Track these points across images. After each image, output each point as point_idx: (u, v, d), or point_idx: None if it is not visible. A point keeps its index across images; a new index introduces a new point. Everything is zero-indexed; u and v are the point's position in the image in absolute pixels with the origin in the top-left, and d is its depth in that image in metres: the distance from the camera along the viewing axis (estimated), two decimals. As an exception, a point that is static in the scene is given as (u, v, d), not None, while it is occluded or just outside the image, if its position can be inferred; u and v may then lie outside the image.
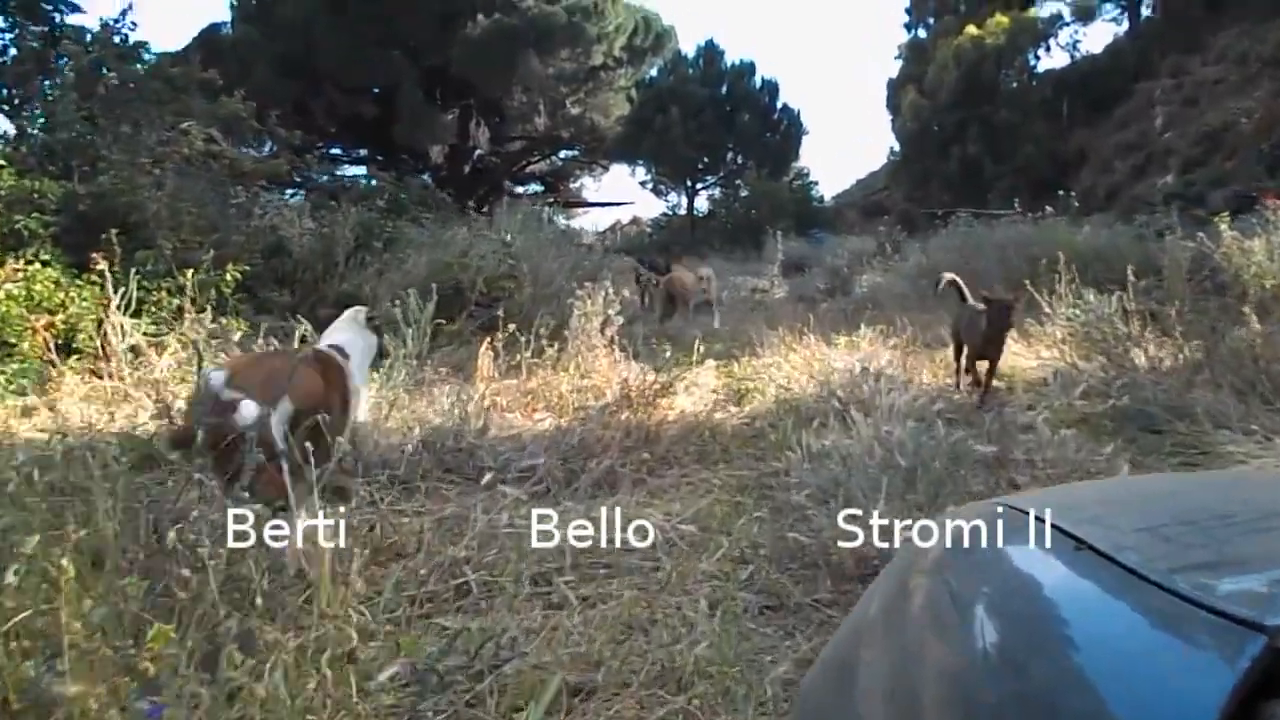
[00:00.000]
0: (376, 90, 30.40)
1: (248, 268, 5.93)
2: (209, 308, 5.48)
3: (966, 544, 0.91)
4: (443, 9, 27.28)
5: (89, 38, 8.91)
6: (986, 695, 0.70)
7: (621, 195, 55.15)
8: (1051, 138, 24.95)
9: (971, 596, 0.84)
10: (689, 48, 32.99)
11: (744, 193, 30.90)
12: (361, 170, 36.73)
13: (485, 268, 7.24)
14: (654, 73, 32.14)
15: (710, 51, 32.22)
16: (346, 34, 27.16)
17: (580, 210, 41.90)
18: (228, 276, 5.67)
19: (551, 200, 35.59)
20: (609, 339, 5.40)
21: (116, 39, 8.85)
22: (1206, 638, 0.61)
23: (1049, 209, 13.20)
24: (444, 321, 6.77)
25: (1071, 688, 0.65)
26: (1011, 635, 0.75)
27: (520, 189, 37.88)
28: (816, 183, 34.15)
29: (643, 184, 35.09)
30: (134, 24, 9.08)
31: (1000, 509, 0.93)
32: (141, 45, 9.23)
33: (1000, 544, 0.88)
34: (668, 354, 6.00)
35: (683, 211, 34.38)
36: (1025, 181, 23.05)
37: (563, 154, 38.25)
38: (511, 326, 5.27)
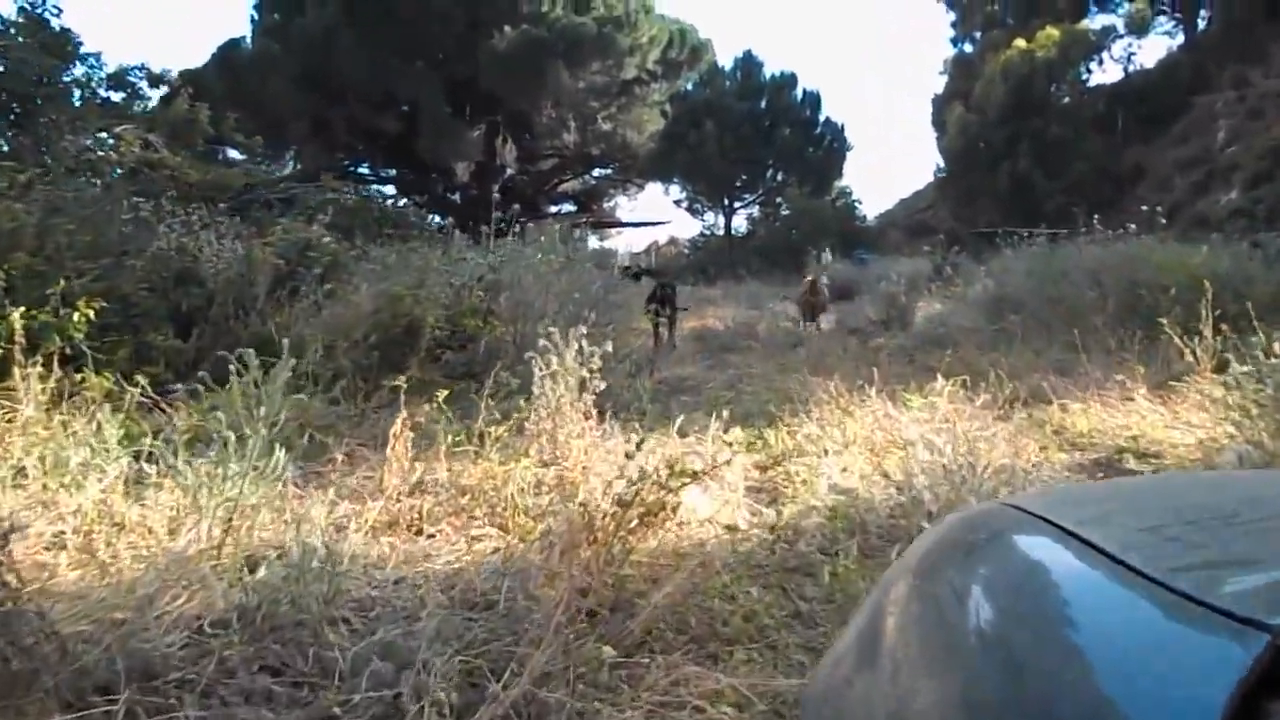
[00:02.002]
0: (403, 107, 29.30)
1: (106, 304, 4.33)
2: (55, 359, 3.92)
3: (970, 544, 0.90)
4: (467, 19, 26.08)
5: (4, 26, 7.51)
6: (990, 696, 0.69)
7: (658, 215, 53.63)
8: (1106, 153, 24.07)
9: (975, 597, 0.82)
10: (726, 60, 31.51)
11: (784, 211, 29.18)
12: (389, 190, 36.07)
13: (451, 300, 5.66)
14: (689, 86, 30.53)
15: (748, 63, 30.68)
16: (368, 46, 26.11)
17: (614, 231, 40.75)
18: (76, 316, 4.09)
19: (584, 220, 34.41)
20: (586, 409, 3.75)
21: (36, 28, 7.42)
22: (1210, 637, 0.60)
23: (1131, 226, 11.39)
24: (396, 371, 5.23)
25: (1075, 687, 0.63)
26: (1015, 635, 0.74)
27: (554, 208, 36.72)
28: (860, 201, 32.40)
29: (677, 203, 33.56)
30: (58, 9, 7.67)
31: (1004, 509, 0.94)
32: (67, 34, 7.78)
33: (1004, 544, 0.87)
34: (677, 422, 4.40)
35: (721, 232, 32.72)
36: (1078, 199, 21.63)
37: (596, 172, 37.06)
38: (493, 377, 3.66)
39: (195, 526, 2.79)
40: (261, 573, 2.54)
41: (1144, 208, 13.06)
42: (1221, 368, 5.11)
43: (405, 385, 5.00)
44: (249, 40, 27.83)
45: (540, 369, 3.52)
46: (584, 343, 3.61)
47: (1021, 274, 10.38)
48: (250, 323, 5.20)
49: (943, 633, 0.81)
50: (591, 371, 3.65)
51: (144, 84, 8.51)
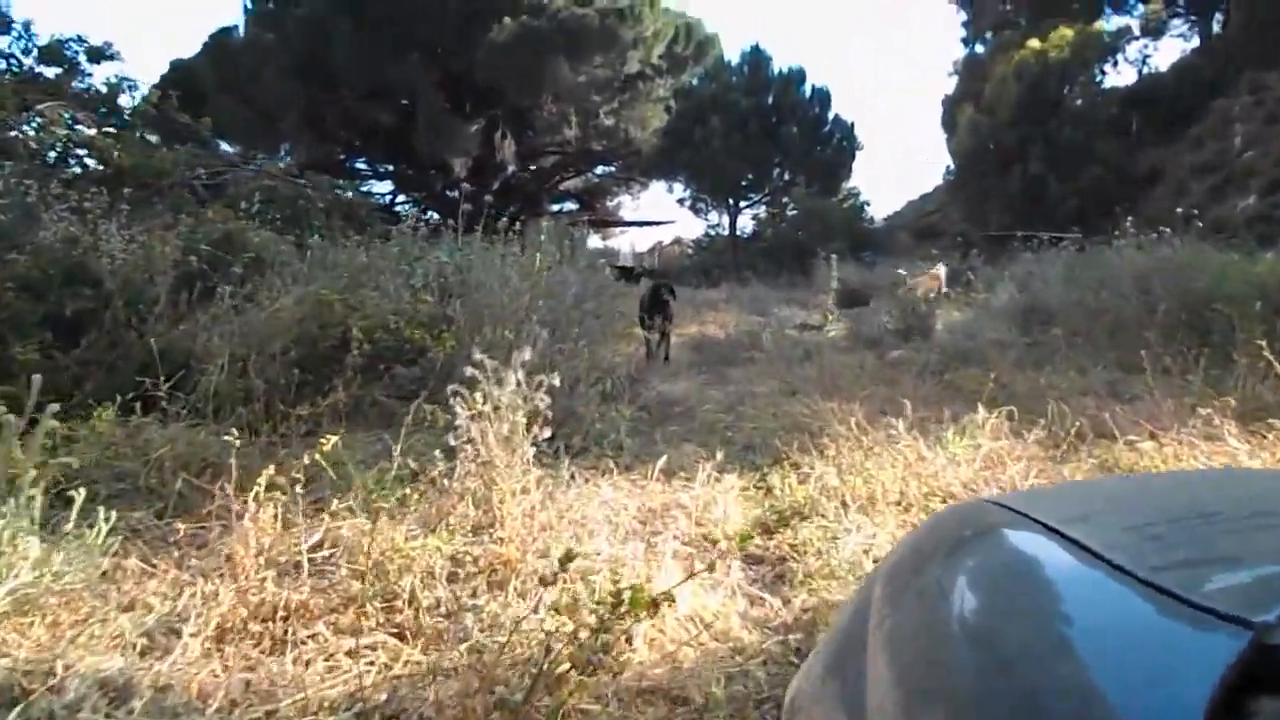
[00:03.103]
0: (399, 100, 28.40)
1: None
2: None
3: (955, 541, 0.91)
4: (464, 10, 25.18)
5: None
6: (976, 693, 0.69)
7: (662, 214, 52.72)
8: (1120, 157, 23.46)
9: (960, 592, 0.83)
10: (733, 54, 30.54)
11: (791, 212, 28.16)
12: (386, 187, 35.15)
13: (404, 306, 4.74)
14: (694, 81, 29.54)
15: (756, 58, 29.65)
16: (363, 37, 25.26)
17: (618, 230, 39.81)
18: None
19: (585, 219, 33.51)
20: (528, 458, 2.81)
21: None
22: (1194, 633, 0.61)
23: (1165, 229, 10.44)
24: (320, 395, 4.35)
25: (1060, 684, 0.64)
26: (1000, 630, 0.74)
27: (556, 207, 35.82)
28: (868, 202, 31.40)
29: (681, 201, 32.58)
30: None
31: (988, 506, 0.95)
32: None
33: (989, 540, 0.88)
34: (660, 461, 3.51)
35: (725, 232, 31.71)
36: (1091, 202, 21.87)
37: (599, 170, 36.25)
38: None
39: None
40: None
41: (1178, 210, 12.14)
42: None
43: (336, 407, 4.13)
44: (241, 29, 26.82)
45: (464, 408, 2.59)
46: (521, 374, 2.66)
47: (1054, 281, 9.44)
48: (149, 332, 4.27)
49: (927, 627, 0.79)
50: (531, 417, 2.71)
51: (82, 58, 7.56)
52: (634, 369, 5.60)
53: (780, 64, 30.05)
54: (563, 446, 4.17)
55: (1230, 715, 0.52)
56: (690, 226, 44.67)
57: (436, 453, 2.71)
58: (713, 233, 32.57)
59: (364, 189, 35.46)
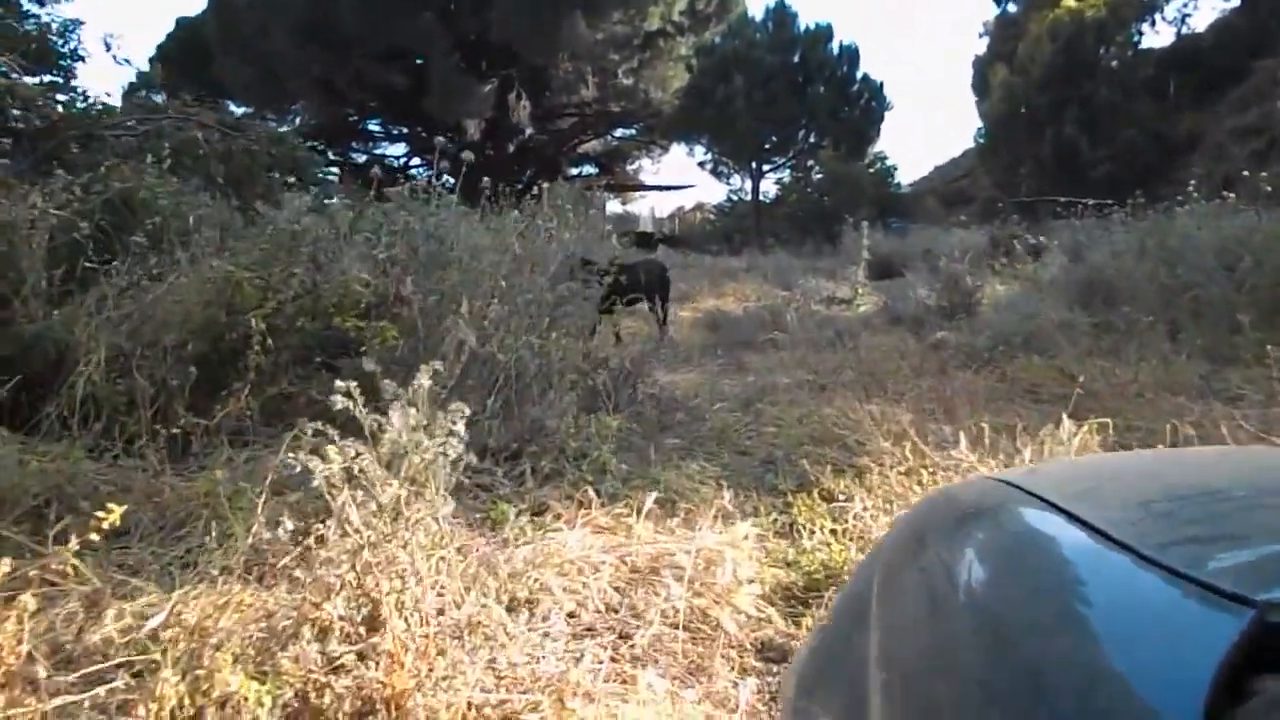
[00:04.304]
0: (413, 59, 27.35)
1: None
2: None
3: (959, 517, 0.89)
4: (478, -37, 23.99)
5: None
6: (978, 670, 0.67)
7: (684, 179, 51.55)
8: (1157, 119, 22.67)
9: (963, 568, 0.80)
10: (757, 10, 29.14)
11: (817, 175, 26.90)
12: (400, 149, 34.21)
13: (333, 287, 3.81)
14: (716, 39, 28.21)
15: (781, 13, 28.19)
16: (373, -7, 24.07)
17: (637, 195, 38.74)
18: None
19: (603, 183, 32.48)
20: (442, 522, 1.91)
21: None
22: (1198, 611, 0.59)
23: (1230, 195, 9.34)
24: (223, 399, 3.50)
25: (1062, 662, 0.62)
26: (1003, 609, 0.72)
27: (574, 171, 34.81)
28: (896, 167, 30.10)
29: (702, 164, 31.33)
30: None
31: (993, 483, 0.91)
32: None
33: (993, 517, 0.86)
34: (651, 497, 2.62)
35: (748, 197, 30.51)
36: (1125, 167, 20.99)
37: (618, 132, 35.10)
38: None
39: None
40: None
41: (1244, 173, 10.95)
42: None
43: (248, 414, 3.26)
44: (247, -16, 25.80)
45: (322, 467, 1.67)
46: (422, 399, 1.74)
47: (1124, 252, 8.36)
48: (17, 320, 3.39)
49: (930, 603, 0.80)
50: (450, 449, 1.79)
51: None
52: (628, 362, 4.64)
53: (806, 20, 28.69)
54: (529, 470, 3.27)
55: (1232, 694, 0.51)
56: (712, 191, 43.55)
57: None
58: (735, 198, 31.46)
59: (377, 151, 34.72)
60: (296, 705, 1.61)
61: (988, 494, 0.89)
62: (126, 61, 6.39)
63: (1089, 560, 0.71)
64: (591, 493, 3.14)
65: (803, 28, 28.23)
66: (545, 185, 6.49)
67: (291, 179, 4.72)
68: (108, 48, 5.16)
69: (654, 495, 2.85)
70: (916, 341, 6.91)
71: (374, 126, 33.73)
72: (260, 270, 3.55)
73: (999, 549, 0.81)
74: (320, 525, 1.92)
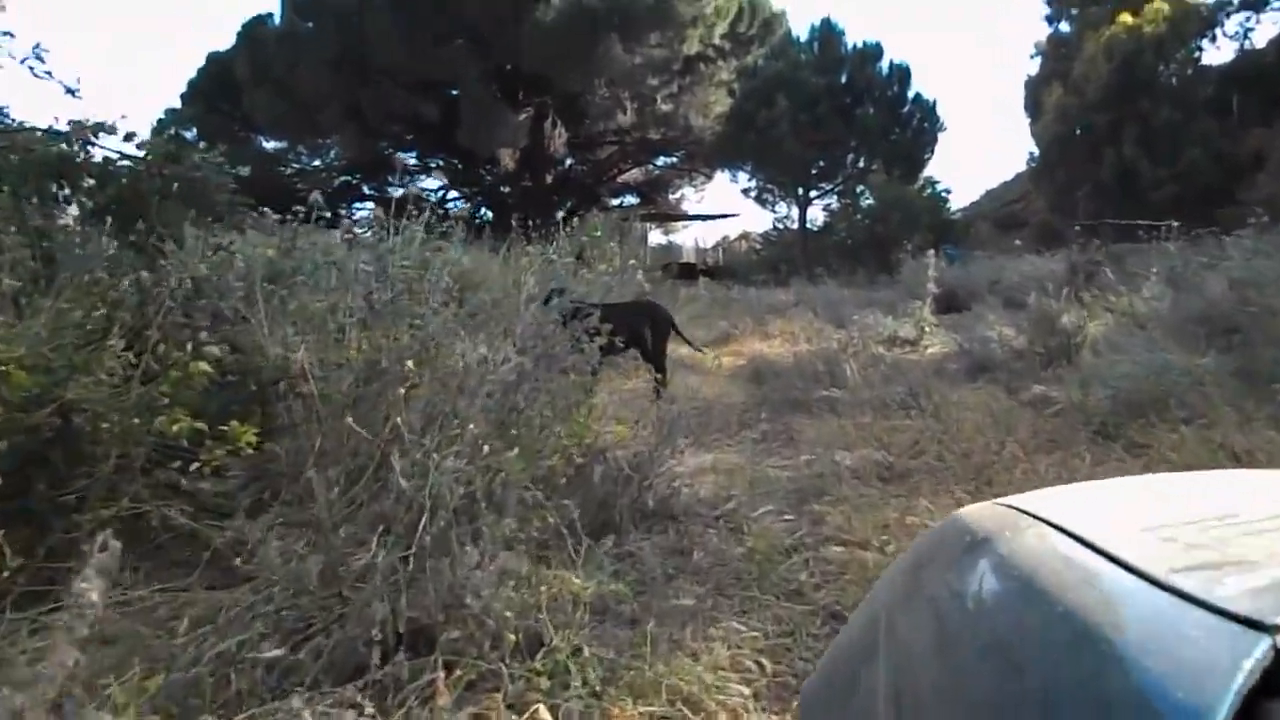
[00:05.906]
0: (445, 90, 26.63)
1: None
2: None
3: (968, 544, 0.86)
4: (510, -10, 23.19)
5: None
6: (988, 695, 0.68)
7: (728, 208, 50.23)
8: (1220, 138, 21.42)
9: (972, 595, 0.79)
10: (801, 30, 27.97)
11: (867, 201, 25.45)
12: (436, 183, 33.45)
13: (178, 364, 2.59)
14: (759, 62, 27.04)
15: (827, 32, 26.94)
16: (404, 23, 23.58)
17: (680, 225, 37.60)
18: None
19: (644, 212, 31.42)
20: None
21: None
22: (1210, 637, 0.58)
23: None
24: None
25: (1073, 687, 0.62)
26: (1013, 633, 0.72)
27: (615, 201, 33.80)
28: (950, 190, 28.60)
29: (746, 192, 30.07)
30: None
31: (1002, 509, 0.90)
32: None
33: (1001, 543, 0.82)
34: None
35: (794, 225, 29.12)
36: (1189, 189, 20.34)
37: (659, 160, 34.02)
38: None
39: None
40: None
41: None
42: None
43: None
44: (278, 18, 25.35)
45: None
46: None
47: (1246, 281, 6.88)
48: None
49: (939, 630, 0.80)
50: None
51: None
52: (631, 457, 3.29)
53: (853, 38, 27.39)
54: (441, 677, 1.99)
55: (1247, 719, 0.51)
56: (757, 219, 42.33)
57: None
58: (781, 226, 30.06)
59: (415, 185, 34.05)
60: None
61: (996, 519, 0.86)
62: (49, 74, 5.43)
63: (1100, 585, 0.68)
64: (544, 715, 1.86)
65: (850, 46, 26.97)
66: (583, 216, 5.28)
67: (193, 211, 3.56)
68: (40, 60, 4.03)
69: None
70: (1009, 398, 5.50)
71: (410, 159, 33.15)
72: (57, 347, 2.35)
73: (1008, 574, 0.78)
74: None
